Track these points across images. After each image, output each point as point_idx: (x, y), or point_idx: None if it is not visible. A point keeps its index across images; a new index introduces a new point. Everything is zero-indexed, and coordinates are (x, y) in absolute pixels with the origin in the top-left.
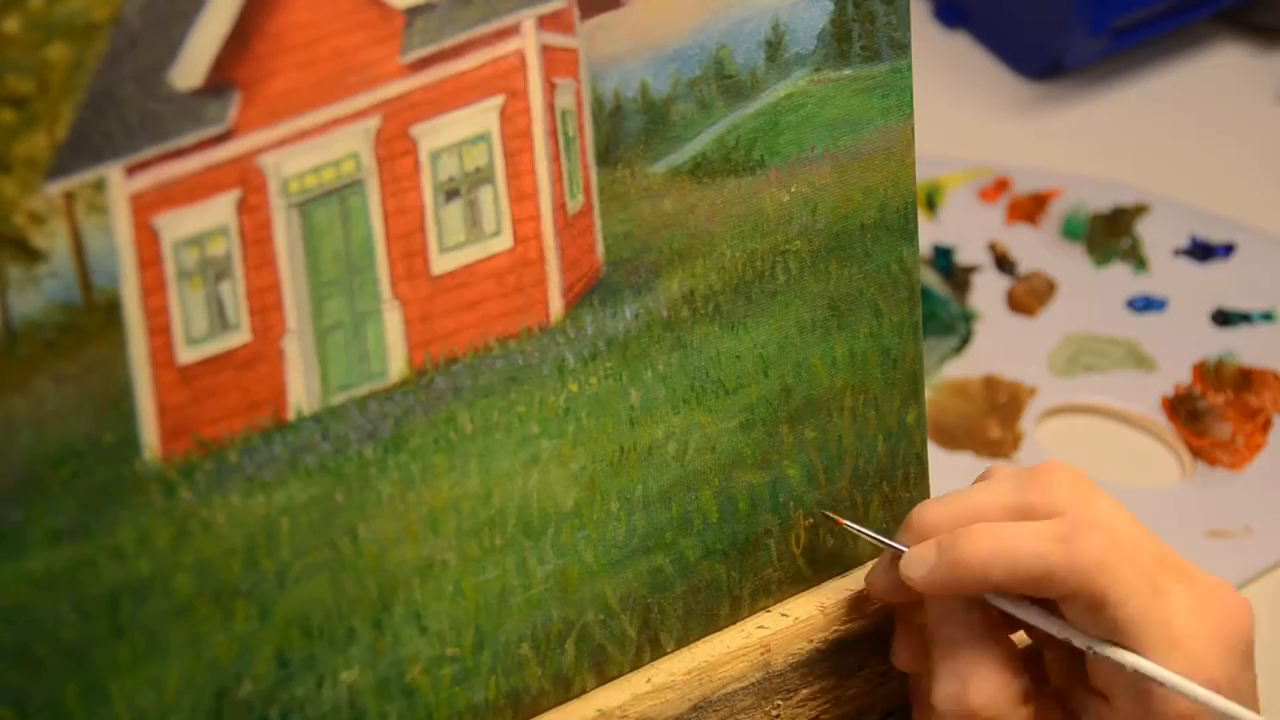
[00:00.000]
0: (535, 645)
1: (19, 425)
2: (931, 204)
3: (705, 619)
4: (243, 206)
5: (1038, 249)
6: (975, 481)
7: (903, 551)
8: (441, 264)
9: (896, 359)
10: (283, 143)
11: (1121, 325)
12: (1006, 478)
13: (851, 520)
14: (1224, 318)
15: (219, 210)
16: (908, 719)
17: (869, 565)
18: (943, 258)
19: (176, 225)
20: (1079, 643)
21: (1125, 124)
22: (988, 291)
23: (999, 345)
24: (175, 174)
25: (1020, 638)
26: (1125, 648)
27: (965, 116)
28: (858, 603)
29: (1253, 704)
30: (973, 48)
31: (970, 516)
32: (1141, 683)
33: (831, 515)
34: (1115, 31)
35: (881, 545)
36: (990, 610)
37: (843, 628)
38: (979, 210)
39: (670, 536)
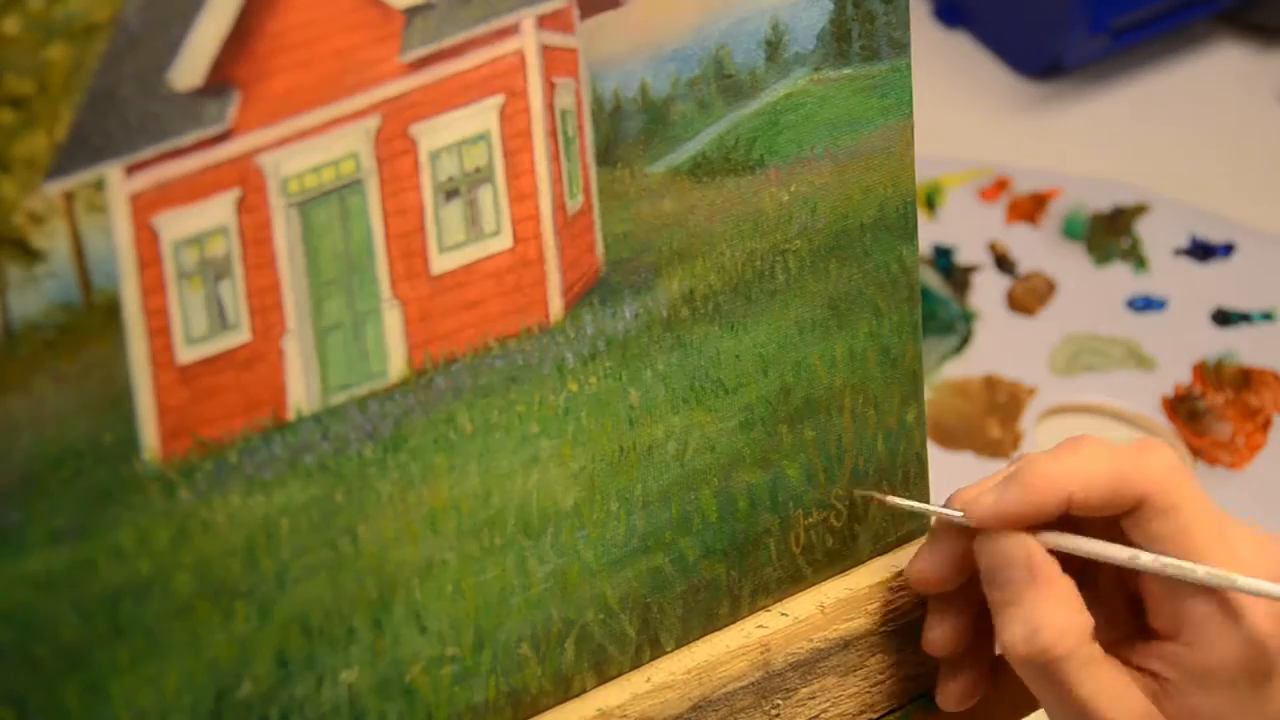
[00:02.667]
0: (535, 645)
1: (19, 425)
2: (931, 204)
3: (705, 618)
4: (242, 206)
5: (1038, 249)
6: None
7: (949, 515)
8: (441, 264)
9: (896, 358)
10: (282, 142)
11: (1121, 325)
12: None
13: (853, 514)
14: (1224, 318)
15: (218, 210)
16: (907, 718)
17: (869, 564)
18: (943, 258)
19: (176, 225)
20: (1164, 567)
21: (1125, 124)
22: (988, 291)
23: (999, 345)
24: (175, 174)
25: None
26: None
27: (965, 116)
28: (857, 602)
29: None
30: (973, 47)
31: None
32: (1218, 606)
33: (872, 494)
34: (1115, 31)
35: (933, 513)
36: (1047, 551)
37: (842, 627)
38: (979, 210)
39: (670, 536)
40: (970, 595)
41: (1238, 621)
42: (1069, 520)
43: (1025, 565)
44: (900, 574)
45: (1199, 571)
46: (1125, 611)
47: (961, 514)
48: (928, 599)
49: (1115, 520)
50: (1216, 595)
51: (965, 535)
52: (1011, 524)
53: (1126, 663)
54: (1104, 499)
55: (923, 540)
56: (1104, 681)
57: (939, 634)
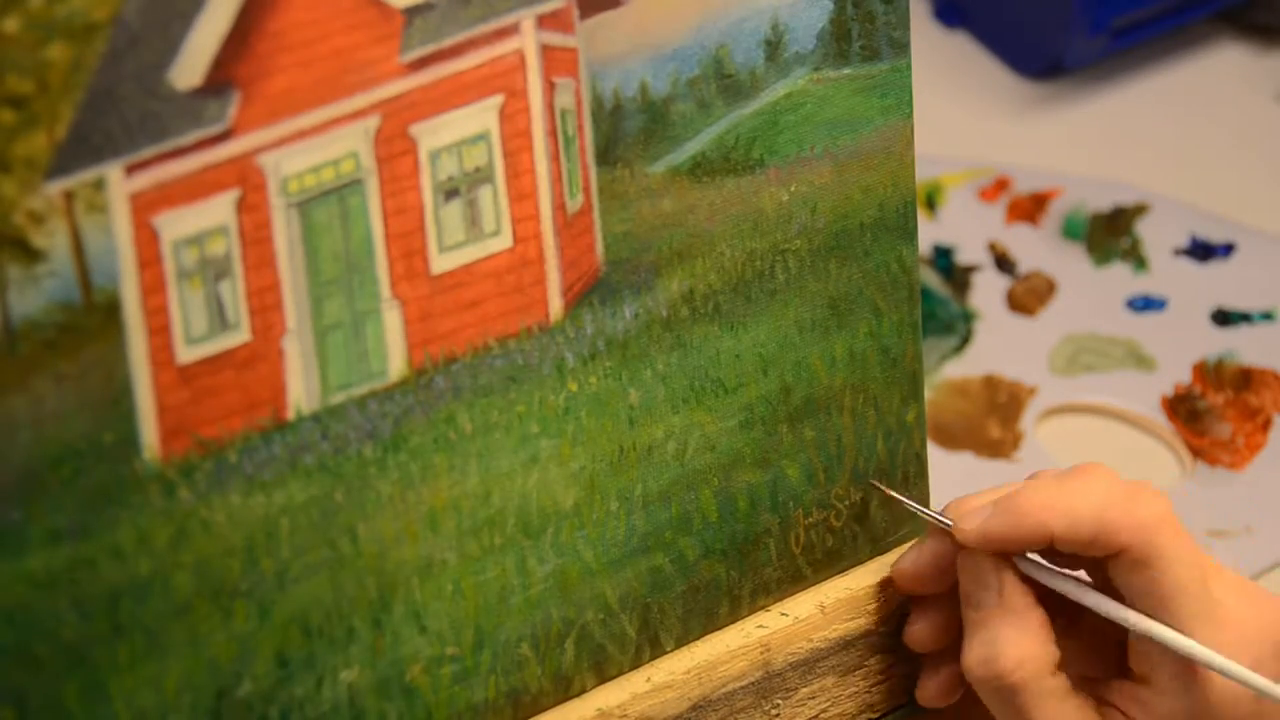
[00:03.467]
0: (535, 645)
1: (19, 425)
2: (931, 204)
3: (705, 618)
4: (242, 206)
5: (1038, 249)
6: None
7: (944, 524)
8: (441, 263)
9: (896, 358)
10: (282, 142)
11: (1121, 325)
12: (1045, 474)
13: (853, 514)
14: (1224, 317)
15: (218, 210)
16: (907, 718)
17: (869, 564)
18: (943, 257)
19: (176, 224)
20: (1127, 619)
21: (1125, 124)
22: (988, 291)
23: (999, 345)
24: (175, 173)
25: None
26: (1168, 623)
27: (965, 116)
28: (857, 602)
29: None
30: (973, 48)
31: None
32: (1187, 664)
33: (877, 484)
34: (1115, 31)
35: (926, 517)
36: (1025, 580)
37: (842, 627)
38: (979, 210)
39: (670, 536)
40: (955, 596)
41: (1205, 683)
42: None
43: (996, 589)
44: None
45: (1164, 634)
46: (1106, 647)
47: (951, 524)
48: (912, 599)
49: (1101, 561)
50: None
51: (954, 543)
52: (994, 547)
53: (1103, 700)
54: (1085, 541)
55: (914, 541)
56: (1060, 715)
57: (920, 629)
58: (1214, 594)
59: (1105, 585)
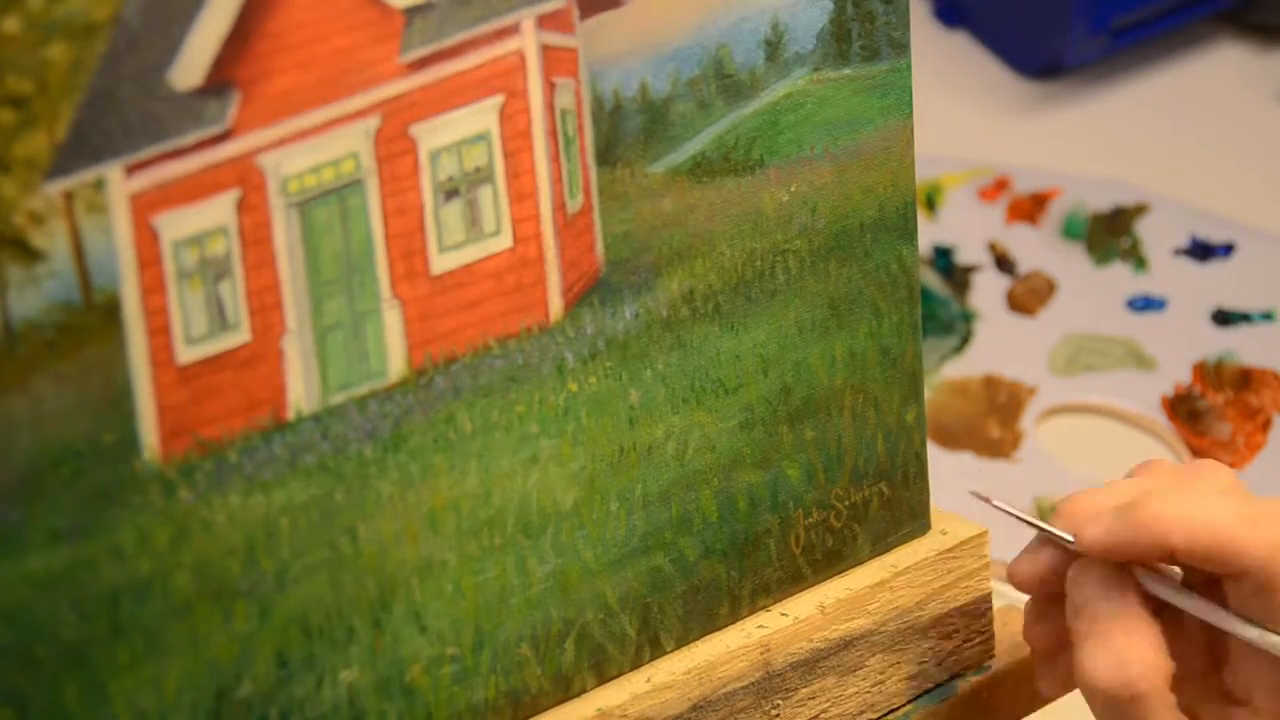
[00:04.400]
0: (535, 645)
1: (19, 425)
2: (931, 204)
3: (705, 618)
4: (242, 206)
5: (1038, 249)
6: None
7: (1057, 536)
8: (441, 263)
9: (896, 358)
10: (282, 142)
11: (1121, 325)
12: (1157, 472)
13: (852, 514)
14: (1224, 317)
15: (218, 210)
16: (907, 718)
17: (869, 564)
18: (943, 258)
19: (176, 225)
20: (1244, 633)
21: (1125, 124)
22: (988, 291)
23: (999, 345)
24: (175, 174)
25: None
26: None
27: (965, 116)
28: (857, 602)
29: None
30: (973, 47)
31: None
32: None
33: (982, 495)
34: (1115, 31)
35: (1039, 529)
36: (1142, 591)
37: (842, 627)
38: (979, 210)
39: (670, 536)
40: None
41: None
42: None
43: (1120, 598)
44: (900, 574)
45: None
46: (1205, 664)
47: (1072, 539)
48: (1029, 599)
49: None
50: None
51: (1069, 550)
52: (1114, 559)
53: (1196, 717)
54: (1205, 560)
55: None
56: None
57: (1039, 631)
58: None
59: (1212, 596)
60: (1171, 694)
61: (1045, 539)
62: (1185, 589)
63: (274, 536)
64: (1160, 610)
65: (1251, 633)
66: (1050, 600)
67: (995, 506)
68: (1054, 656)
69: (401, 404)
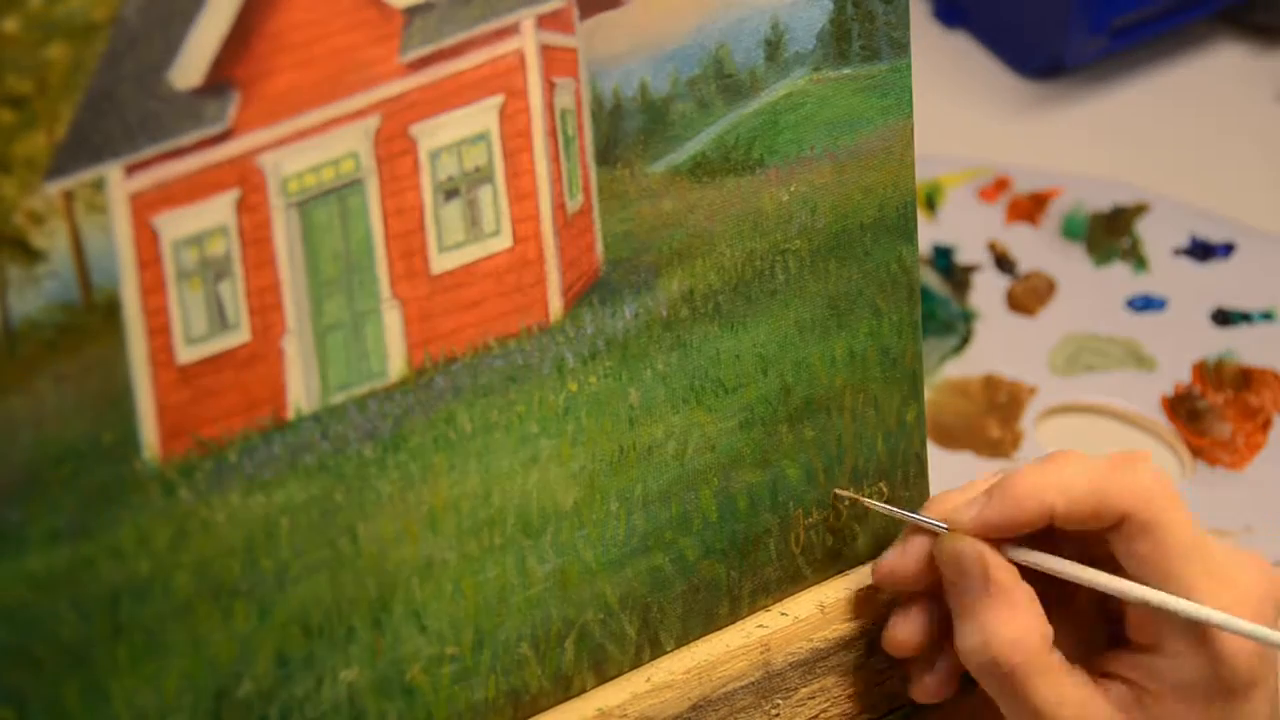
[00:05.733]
0: (535, 644)
1: (19, 425)
2: (931, 204)
3: (705, 618)
4: (242, 206)
5: (1038, 248)
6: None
7: (932, 524)
8: (441, 263)
9: (896, 358)
10: (282, 142)
11: (1121, 325)
12: (1031, 463)
13: (852, 514)
14: (1224, 317)
15: (218, 210)
16: (908, 718)
17: (869, 564)
18: (943, 257)
19: (176, 225)
20: (1127, 592)
21: (1125, 124)
22: (988, 291)
23: (999, 345)
24: (175, 173)
25: None
26: (1174, 588)
27: (965, 116)
28: (857, 601)
29: None
30: (973, 47)
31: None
32: (1195, 627)
33: (849, 494)
34: (1115, 31)
35: (916, 522)
36: (1003, 559)
37: (842, 626)
38: (979, 210)
39: (670, 536)
40: (936, 595)
41: (1216, 641)
42: (1054, 532)
43: (980, 574)
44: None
45: (1174, 603)
46: (1100, 620)
47: (945, 525)
48: (894, 599)
49: (1100, 533)
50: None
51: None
52: (993, 534)
53: (1102, 671)
54: (1086, 514)
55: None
56: (1059, 691)
57: (902, 631)
58: (1212, 551)
59: (1101, 562)
60: (1051, 655)
61: (910, 535)
62: (1062, 559)
63: (274, 536)
64: (1047, 580)
65: (1124, 586)
66: (914, 599)
67: (866, 504)
68: (930, 655)
69: (401, 404)
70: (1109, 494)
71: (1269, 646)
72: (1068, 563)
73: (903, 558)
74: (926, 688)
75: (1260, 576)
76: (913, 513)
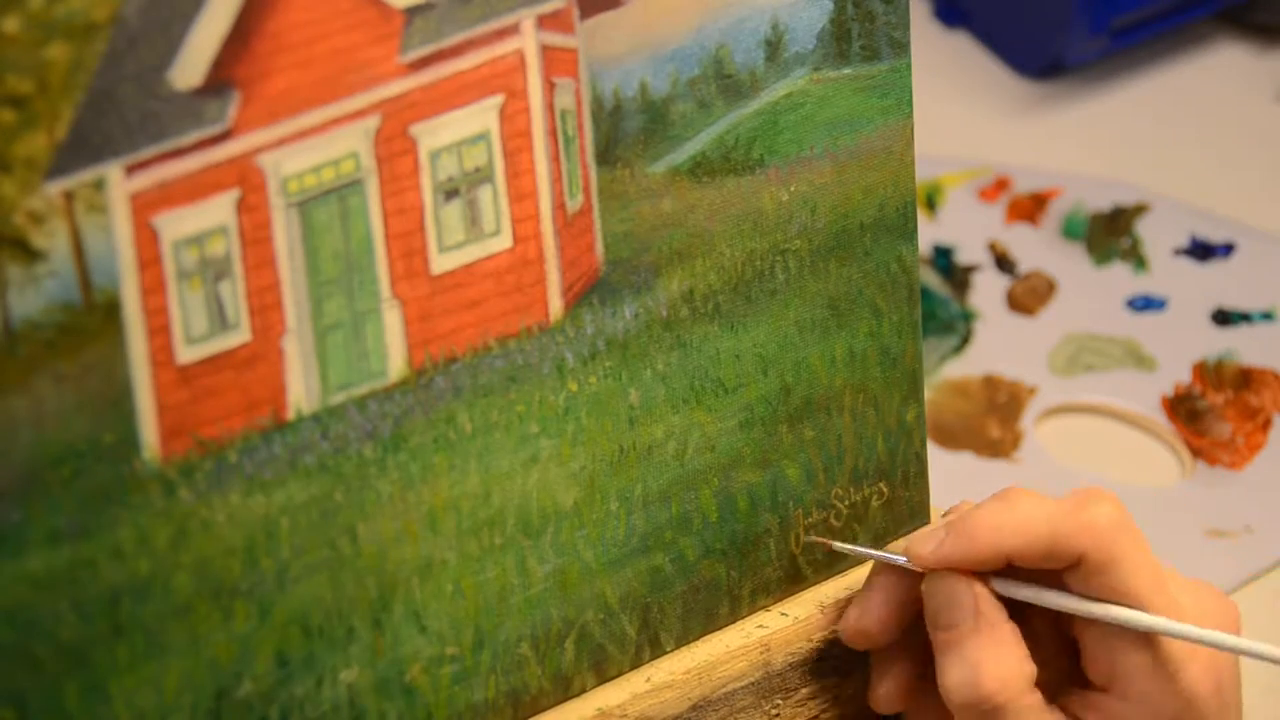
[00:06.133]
0: (535, 644)
1: (19, 425)
2: (931, 204)
3: (705, 618)
4: (242, 206)
5: (1038, 248)
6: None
7: (889, 558)
8: (441, 263)
9: (896, 358)
10: (282, 142)
11: (1121, 325)
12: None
13: (853, 514)
14: (1224, 317)
15: (218, 210)
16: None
17: (869, 565)
18: (943, 257)
19: (176, 225)
20: (1094, 612)
21: (1125, 124)
22: (988, 291)
23: (999, 345)
24: (175, 173)
25: None
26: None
27: (965, 116)
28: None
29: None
30: (973, 48)
31: None
32: (1150, 659)
33: (820, 540)
34: (1115, 31)
35: (875, 558)
36: (992, 595)
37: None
38: (979, 210)
39: (670, 536)
40: (913, 643)
41: (1174, 676)
42: (1016, 569)
43: (971, 609)
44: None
45: (1145, 620)
46: (1060, 658)
47: (905, 558)
48: (870, 654)
49: (1058, 573)
50: (1152, 650)
51: (903, 583)
52: (946, 569)
53: (1067, 711)
54: (1042, 555)
55: (855, 594)
56: None
57: (888, 688)
58: (1171, 588)
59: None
60: (1034, 694)
61: (872, 585)
62: (1033, 584)
63: (274, 536)
64: (1011, 613)
65: (1107, 611)
66: (890, 651)
67: (835, 548)
68: (887, 663)
69: (401, 404)
70: (1064, 536)
71: (1237, 655)
72: (1044, 591)
73: (869, 608)
74: (883, 696)
75: (1217, 605)
76: (874, 551)
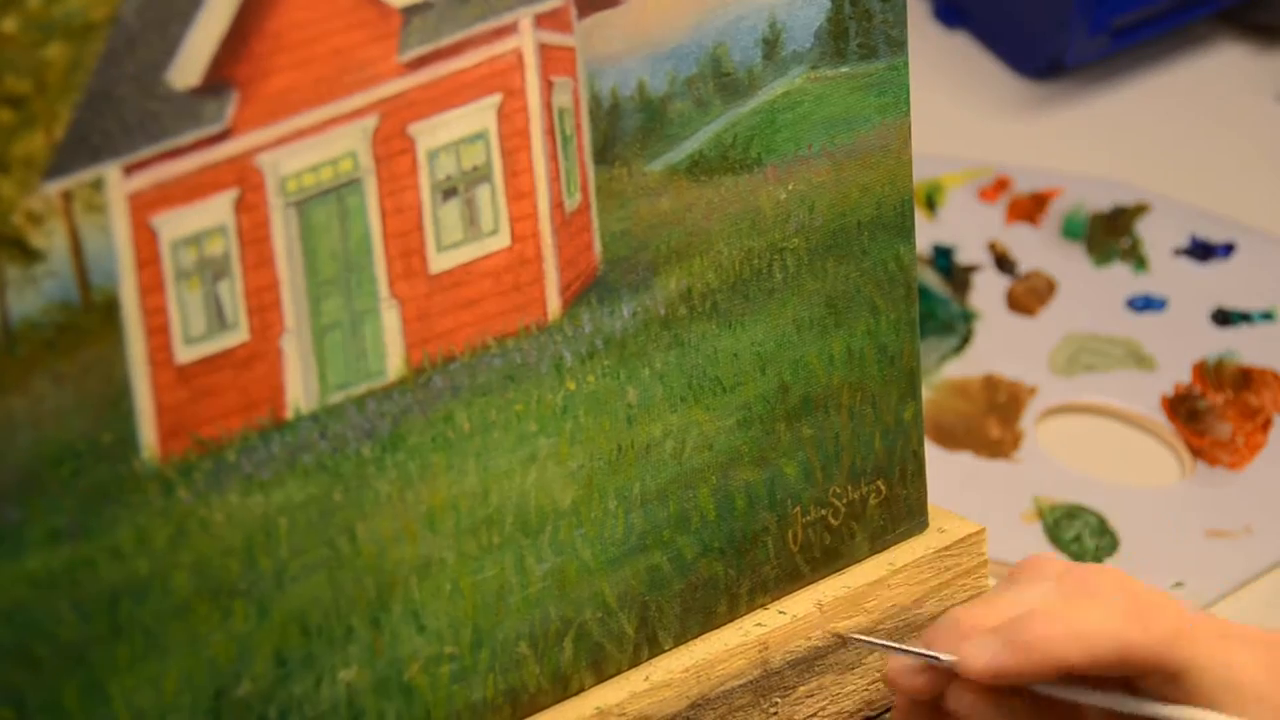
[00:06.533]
0: (533, 643)
1: (18, 425)
2: (931, 203)
3: (703, 617)
4: (241, 206)
5: (1038, 248)
6: (1002, 584)
7: (940, 660)
8: (439, 263)
9: (894, 356)
10: (280, 142)
11: (1121, 325)
12: (1038, 579)
13: (850, 512)
14: (1224, 317)
15: (217, 209)
16: None
17: (867, 562)
18: (943, 257)
19: (175, 224)
20: (1162, 711)
21: (1125, 124)
22: (988, 291)
23: (999, 345)
24: (173, 173)
25: None
26: None
27: (965, 116)
28: (855, 600)
29: None
30: (973, 47)
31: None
32: None
33: (849, 635)
34: (1115, 31)
35: (924, 657)
36: (1031, 694)
37: (840, 625)
38: (979, 210)
39: (668, 534)
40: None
41: None
42: None
43: (1011, 711)
44: (898, 571)
45: (1208, 718)
46: None
47: (955, 659)
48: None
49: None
50: None
51: (941, 679)
52: (1005, 684)
53: None
54: (1109, 668)
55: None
56: None
57: None
58: (1241, 677)
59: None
60: None
61: (914, 658)
62: (1081, 685)
63: (272, 536)
64: (1053, 705)
65: (1167, 710)
66: (923, 708)
67: (861, 642)
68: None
69: (400, 403)
70: (1131, 648)
71: None
72: (1098, 694)
73: (914, 673)
74: None
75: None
76: (921, 650)
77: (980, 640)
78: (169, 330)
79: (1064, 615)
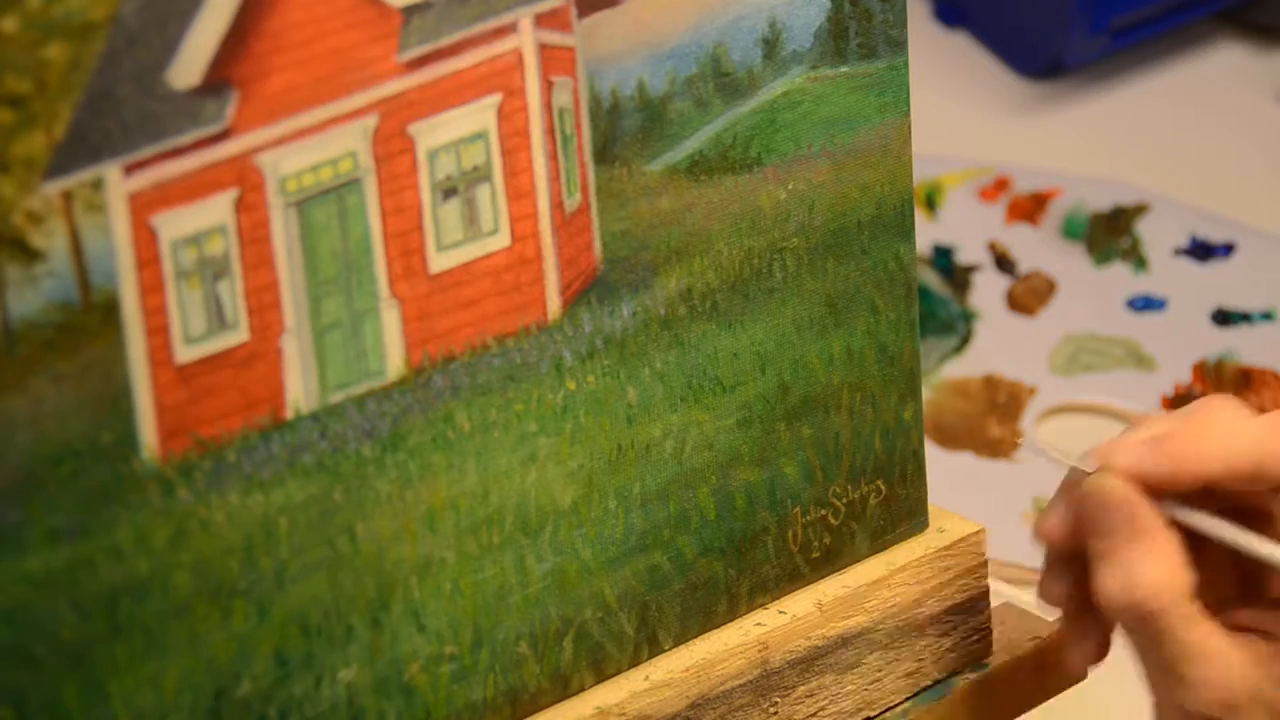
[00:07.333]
0: (533, 643)
1: (18, 425)
2: (931, 203)
3: (703, 616)
4: (240, 205)
5: (1038, 249)
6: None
7: (1082, 467)
8: (439, 262)
9: (894, 356)
10: (280, 141)
11: (1121, 325)
12: (1181, 410)
13: (850, 512)
14: (1224, 317)
15: (217, 209)
16: (905, 715)
17: (867, 562)
18: (943, 257)
19: (174, 224)
20: (1257, 551)
21: (1125, 124)
22: (988, 291)
23: (999, 345)
24: (173, 173)
25: None
26: None
27: (965, 116)
28: (855, 600)
29: None
30: (973, 47)
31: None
32: None
33: (1036, 446)
34: (1115, 31)
35: (1066, 463)
36: (1153, 507)
37: (840, 625)
38: (979, 210)
39: (668, 534)
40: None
41: None
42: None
43: (1127, 516)
44: (898, 571)
45: None
46: (1234, 573)
47: (1094, 468)
48: (1048, 554)
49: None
50: None
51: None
52: (1146, 487)
53: (1238, 625)
54: (1249, 479)
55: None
56: (1199, 639)
57: (1051, 588)
58: None
59: (1251, 513)
60: (1193, 604)
61: (1066, 489)
62: (1210, 514)
63: (273, 535)
64: (1185, 532)
65: (1272, 551)
66: (1067, 558)
67: (1051, 457)
68: (1080, 621)
69: (400, 403)
70: (1270, 459)
71: None
72: (1222, 524)
73: (1049, 513)
74: (1075, 657)
75: None
76: (1071, 458)
77: (1130, 442)
78: (169, 330)
79: (1206, 430)
